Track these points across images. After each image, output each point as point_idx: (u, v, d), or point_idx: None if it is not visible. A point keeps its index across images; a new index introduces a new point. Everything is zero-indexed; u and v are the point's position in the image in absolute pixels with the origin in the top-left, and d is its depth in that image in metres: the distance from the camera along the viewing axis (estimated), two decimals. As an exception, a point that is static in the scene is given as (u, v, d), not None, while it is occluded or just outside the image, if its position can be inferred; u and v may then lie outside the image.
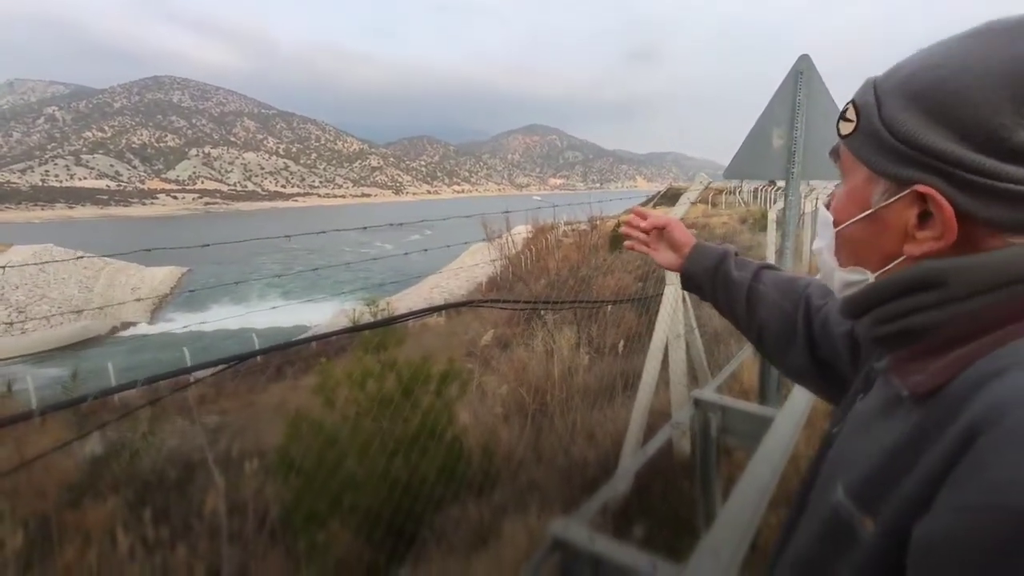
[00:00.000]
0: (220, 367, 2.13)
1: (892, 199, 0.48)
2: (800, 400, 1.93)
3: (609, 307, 6.86)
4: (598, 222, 20.41)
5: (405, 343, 3.71)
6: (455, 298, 19.73)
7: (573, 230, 21.73)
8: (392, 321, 2.36)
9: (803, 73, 2.44)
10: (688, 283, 1.01)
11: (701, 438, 2.01)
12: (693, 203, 2.65)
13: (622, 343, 4.73)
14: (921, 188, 0.44)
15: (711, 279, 0.95)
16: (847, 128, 0.51)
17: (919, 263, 0.47)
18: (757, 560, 1.86)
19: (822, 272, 0.60)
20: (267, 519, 3.12)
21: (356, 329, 2.83)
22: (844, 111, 0.52)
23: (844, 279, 0.55)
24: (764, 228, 13.79)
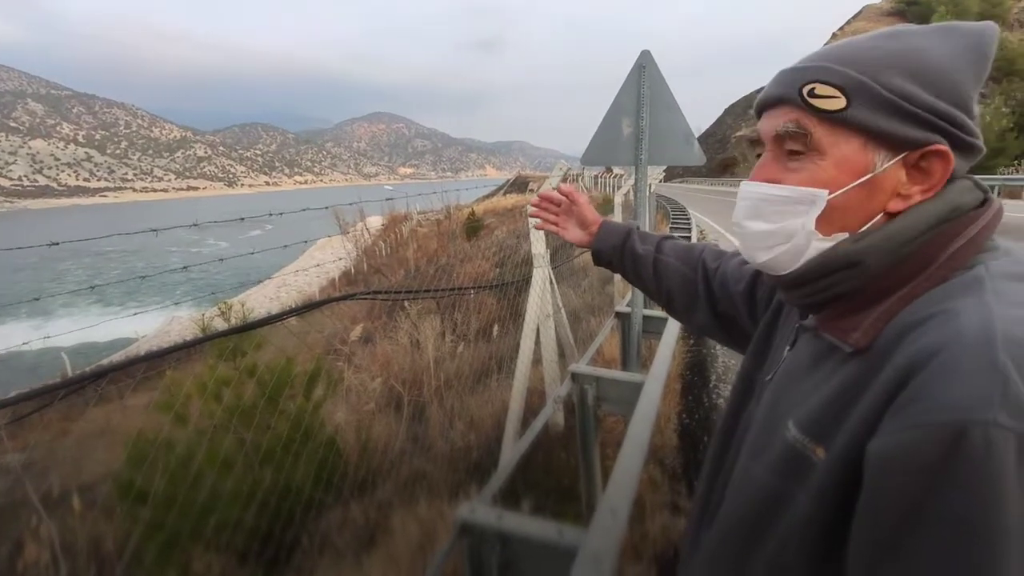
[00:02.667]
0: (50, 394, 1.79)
1: (893, 161, 0.54)
2: (663, 365, 2.14)
3: (472, 293, 6.95)
4: (453, 210, 20.47)
5: (264, 347, 3.42)
6: (306, 296, 18.58)
7: (428, 219, 21.59)
8: (256, 325, 2.15)
9: (645, 67, 2.67)
10: (599, 258, 1.08)
11: (580, 408, 2.13)
12: (555, 188, 2.78)
13: (496, 327, 4.83)
14: (937, 147, 0.53)
15: (619, 254, 1.04)
16: (836, 103, 0.55)
17: (835, 248, 0.57)
18: (636, 512, 2.04)
19: (781, 248, 0.61)
20: (109, 558, 2.71)
21: (212, 337, 2.56)
22: (811, 91, 0.56)
23: (820, 248, 0.58)
24: (607, 213, 14.87)
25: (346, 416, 3.41)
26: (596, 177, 30.99)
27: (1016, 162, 19.73)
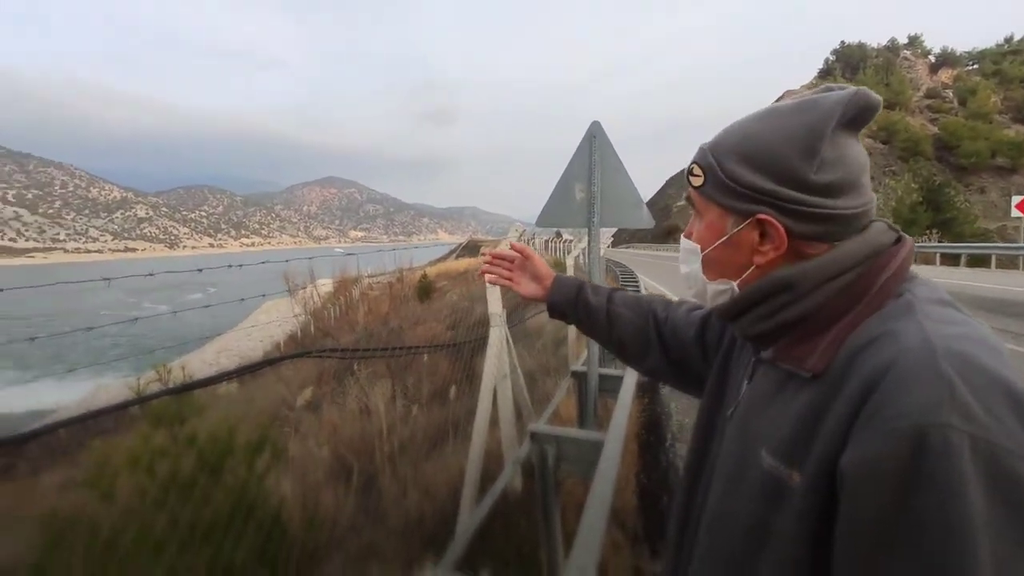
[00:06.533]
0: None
1: (740, 226, 0.66)
2: (621, 423, 2.14)
3: (425, 356, 6.83)
4: (406, 272, 20.40)
5: (206, 412, 3.22)
6: (248, 361, 17.73)
7: (379, 282, 21.36)
8: (198, 385, 2.02)
9: (596, 137, 2.82)
10: (553, 311, 1.12)
11: (539, 469, 2.09)
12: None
13: (453, 389, 4.74)
14: (761, 216, 0.64)
15: (573, 306, 1.09)
16: (698, 181, 0.70)
17: (769, 273, 0.65)
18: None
19: (695, 290, 0.76)
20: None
21: (145, 400, 2.39)
22: (690, 170, 0.70)
23: (715, 290, 0.72)
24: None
25: (292, 488, 3.21)
26: (547, 241, 31.83)
27: (927, 232, 21.58)
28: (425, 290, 17.90)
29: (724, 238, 0.68)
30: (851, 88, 0.61)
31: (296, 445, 4.03)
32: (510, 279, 1.14)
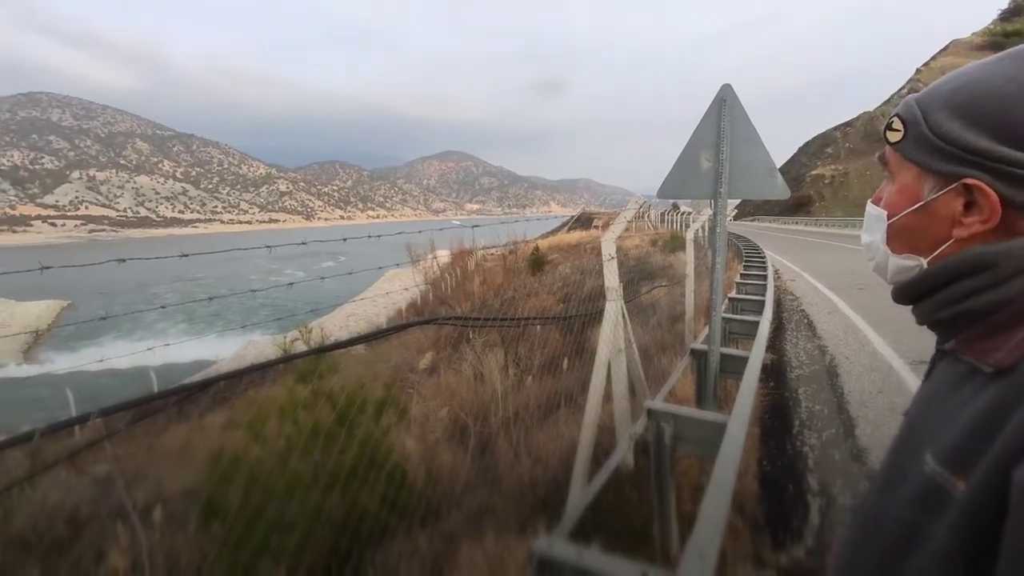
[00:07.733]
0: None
1: (941, 192, 0.56)
2: (746, 406, 2.03)
3: (538, 328, 6.93)
4: (520, 245, 20.71)
5: (339, 371, 3.54)
6: (374, 325, 19.14)
7: (492, 254, 21.92)
8: (343, 345, 2.23)
9: (726, 101, 2.64)
10: None
11: (655, 447, 2.05)
12: (630, 221, 2.76)
13: (566, 361, 4.79)
14: (969, 180, 0.53)
15: None
16: (895, 137, 0.61)
17: (967, 249, 0.55)
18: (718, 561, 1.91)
19: (875, 263, 0.67)
20: (181, 573, 2.81)
21: (291, 358, 2.68)
22: (889, 124, 0.61)
23: (899, 264, 0.63)
24: (674, 249, 14.55)
25: (414, 445, 3.44)
26: (663, 214, 30.67)
27: None
28: (537, 263, 18.06)
29: (918, 204, 0.59)
30: None
31: (418, 406, 4.30)
32: None
